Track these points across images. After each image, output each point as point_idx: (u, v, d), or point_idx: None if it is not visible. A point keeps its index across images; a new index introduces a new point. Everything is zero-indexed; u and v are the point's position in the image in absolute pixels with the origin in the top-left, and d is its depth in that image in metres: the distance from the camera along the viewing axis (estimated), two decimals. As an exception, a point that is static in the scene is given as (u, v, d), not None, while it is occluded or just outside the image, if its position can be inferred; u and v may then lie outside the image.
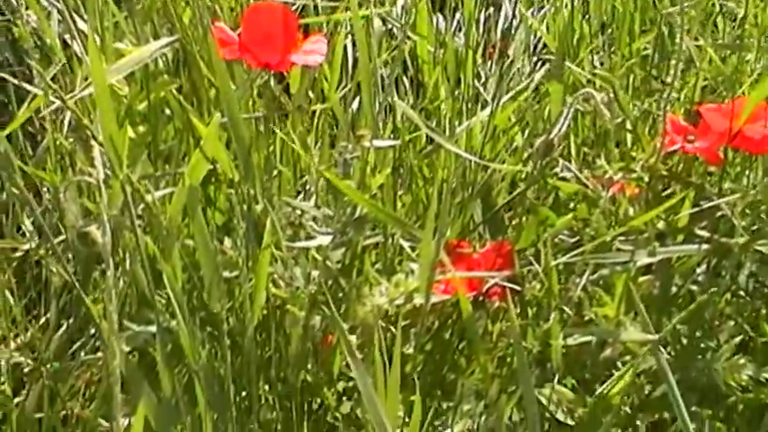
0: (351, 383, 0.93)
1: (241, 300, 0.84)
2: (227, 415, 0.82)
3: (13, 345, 1.03)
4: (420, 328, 0.77)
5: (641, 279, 0.93)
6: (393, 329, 0.81)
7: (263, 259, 0.83)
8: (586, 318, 0.91)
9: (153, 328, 0.81)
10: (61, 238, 0.98)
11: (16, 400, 1.00)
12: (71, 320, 1.02)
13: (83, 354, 1.01)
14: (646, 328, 0.68)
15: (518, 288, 0.90)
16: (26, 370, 1.03)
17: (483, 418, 0.91)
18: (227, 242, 0.89)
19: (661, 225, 0.96)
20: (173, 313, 0.80)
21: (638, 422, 0.90)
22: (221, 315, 0.81)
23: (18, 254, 1.08)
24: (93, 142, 0.78)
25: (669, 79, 1.05)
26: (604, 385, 0.85)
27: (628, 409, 0.87)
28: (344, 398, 0.93)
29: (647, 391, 0.92)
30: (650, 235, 0.92)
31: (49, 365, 0.98)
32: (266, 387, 0.91)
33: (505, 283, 0.91)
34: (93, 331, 1.00)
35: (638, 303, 0.70)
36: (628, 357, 0.91)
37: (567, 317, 0.91)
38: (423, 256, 0.76)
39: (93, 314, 0.81)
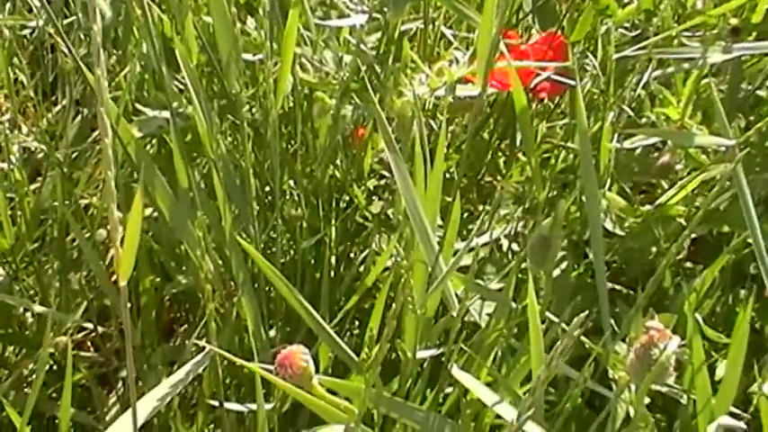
0: (382, 182, 0.91)
1: (264, 86, 0.79)
2: (247, 210, 0.80)
3: (25, 130, 1.00)
4: (472, 121, 0.70)
5: (704, 81, 0.85)
6: (433, 124, 0.74)
7: (289, 40, 0.78)
8: (645, 120, 0.84)
9: (167, 114, 0.75)
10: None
11: (32, 186, 0.98)
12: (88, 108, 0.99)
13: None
14: (723, 131, 0.60)
15: (571, 83, 0.82)
16: (40, 156, 1.01)
17: (521, 224, 0.86)
18: (250, 22, 0.84)
19: (733, 20, 0.87)
20: (189, 99, 0.75)
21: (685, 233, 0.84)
22: (241, 99, 0.75)
23: (26, 32, 1.03)
24: None
25: None
26: (666, 194, 0.78)
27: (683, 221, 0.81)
28: (375, 197, 0.90)
29: (697, 203, 0.85)
30: (721, 31, 0.84)
31: (64, 152, 0.94)
32: (291, 182, 0.88)
33: (557, 77, 0.83)
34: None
35: (718, 103, 0.61)
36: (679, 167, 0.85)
37: (622, 117, 0.84)
38: (482, 36, 0.68)
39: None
